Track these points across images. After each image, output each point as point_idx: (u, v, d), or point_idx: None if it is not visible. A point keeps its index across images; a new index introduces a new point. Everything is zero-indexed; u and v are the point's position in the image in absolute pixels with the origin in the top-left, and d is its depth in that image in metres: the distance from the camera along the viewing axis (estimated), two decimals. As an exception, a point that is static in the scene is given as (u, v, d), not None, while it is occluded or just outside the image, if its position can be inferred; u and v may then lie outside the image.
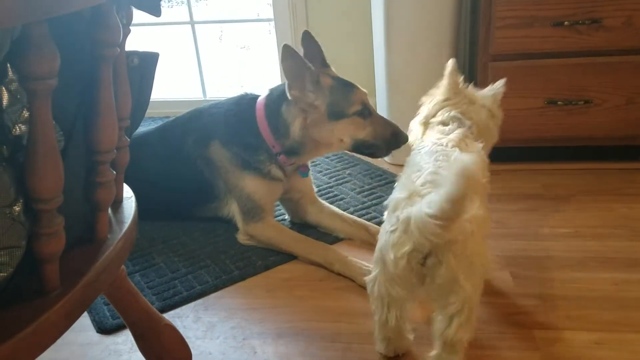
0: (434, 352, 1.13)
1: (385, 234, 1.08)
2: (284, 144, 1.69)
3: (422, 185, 1.05)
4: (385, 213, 1.13)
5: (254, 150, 1.73)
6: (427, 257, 1.03)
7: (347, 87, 1.65)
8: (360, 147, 1.68)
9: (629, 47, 1.93)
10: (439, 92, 1.42)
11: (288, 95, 1.62)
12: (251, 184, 1.74)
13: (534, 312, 1.37)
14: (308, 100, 1.62)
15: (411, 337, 1.25)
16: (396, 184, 1.18)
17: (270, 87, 1.77)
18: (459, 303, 1.05)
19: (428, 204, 0.94)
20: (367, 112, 1.64)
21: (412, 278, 1.06)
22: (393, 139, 1.65)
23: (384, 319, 1.17)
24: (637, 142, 2.07)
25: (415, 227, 0.97)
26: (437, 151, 1.18)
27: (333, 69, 1.74)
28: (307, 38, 1.72)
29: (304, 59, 1.60)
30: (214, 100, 2.09)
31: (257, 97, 1.78)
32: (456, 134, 1.27)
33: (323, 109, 1.62)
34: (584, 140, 2.10)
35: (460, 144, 1.23)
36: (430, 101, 1.43)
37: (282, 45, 1.58)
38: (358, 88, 1.67)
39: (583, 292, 1.43)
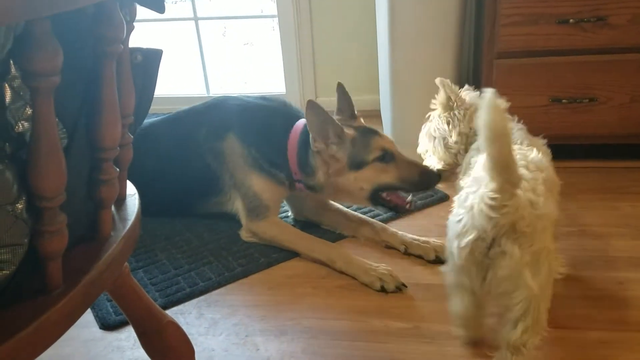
0: (499, 352, 1.13)
1: (451, 224, 1.10)
2: (307, 181, 1.70)
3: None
4: (454, 206, 1.14)
5: (275, 166, 1.73)
6: (490, 246, 1.03)
7: (367, 135, 1.65)
8: (383, 190, 1.65)
9: (634, 44, 1.92)
10: (439, 107, 1.48)
11: (312, 147, 1.63)
12: (258, 183, 1.74)
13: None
14: (331, 153, 1.63)
15: (488, 323, 1.24)
16: (463, 182, 1.22)
17: None
18: (524, 303, 1.03)
19: (486, 185, 0.99)
20: (389, 156, 1.63)
21: (476, 269, 1.06)
22: (422, 178, 1.60)
23: (458, 307, 1.19)
24: (642, 140, 2.06)
25: (477, 209, 1.01)
26: None
27: (362, 120, 1.76)
28: (341, 90, 1.74)
29: (327, 113, 1.60)
30: (217, 96, 2.08)
31: (293, 110, 1.79)
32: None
33: (344, 160, 1.63)
34: (588, 139, 2.09)
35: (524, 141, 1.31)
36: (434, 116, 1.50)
37: (307, 100, 1.59)
38: (379, 135, 1.67)
39: (587, 291, 1.43)
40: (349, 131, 1.65)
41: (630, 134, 2.04)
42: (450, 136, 1.44)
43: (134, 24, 0.89)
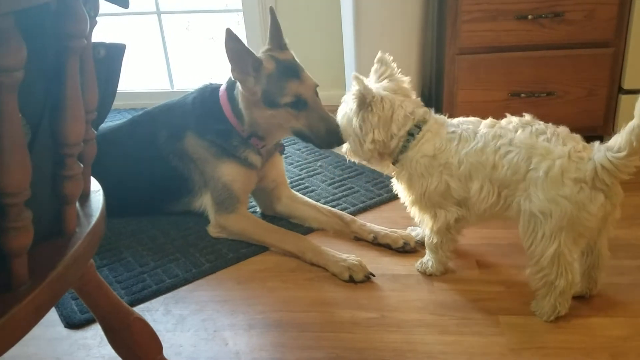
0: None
1: (569, 201, 1.19)
2: (245, 127, 1.70)
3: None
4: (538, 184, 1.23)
5: (226, 135, 1.73)
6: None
7: (285, 75, 1.61)
8: (299, 135, 1.67)
9: (591, 40, 1.98)
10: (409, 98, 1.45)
11: (232, 76, 1.63)
12: (228, 172, 1.73)
13: (499, 299, 1.41)
14: (248, 85, 1.62)
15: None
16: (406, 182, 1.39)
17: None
18: None
19: (609, 148, 1.15)
20: (301, 104, 1.61)
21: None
22: (327, 136, 1.60)
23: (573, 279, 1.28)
24: (599, 132, 2.13)
25: (604, 172, 1.16)
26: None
27: (292, 52, 1.71)
28: (272, 15, 1.70)
29: (245, 45, 1.60)
30: (182, 91, 2.07)
31: (219, 85, 1.78)
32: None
33: (259, 95, 1.62)
34: None
35: None
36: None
37: (226, 29, 1.58)
38: (298, 78, 1.62)
39: (546, 279, 1.47)
40: (269, 64, 1.62)
41: (587, 127, 2.10)
42: (364, 140, 1.40)
43: (97, 18, 0.88)
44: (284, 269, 1.60)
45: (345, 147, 1.52)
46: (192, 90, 1.86)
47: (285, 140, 2.43)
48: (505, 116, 1.35)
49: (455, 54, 2.06)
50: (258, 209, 1.91)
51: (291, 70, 1.63)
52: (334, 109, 1.54)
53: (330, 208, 1.82)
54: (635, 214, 1.75)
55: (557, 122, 2.09)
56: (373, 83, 1.43)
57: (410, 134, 1.39)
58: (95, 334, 1.36)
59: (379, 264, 1.58)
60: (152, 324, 1.17)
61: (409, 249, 1.62)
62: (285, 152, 1.94)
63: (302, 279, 1.54)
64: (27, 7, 0.62)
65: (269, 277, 1.56)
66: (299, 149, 2.38)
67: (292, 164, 2.24)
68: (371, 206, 1.88)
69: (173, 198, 1.86)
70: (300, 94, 1.61)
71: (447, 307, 1.39)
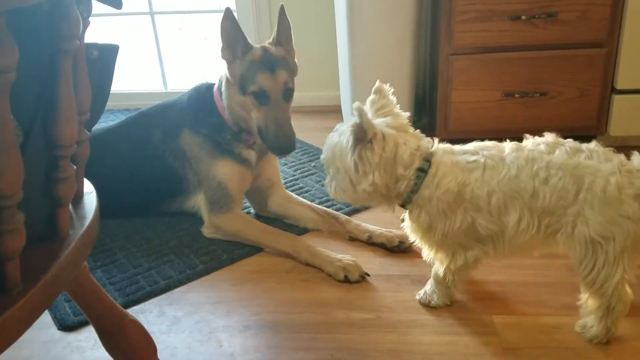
0: None
1: (631, 220, 1.11)
2: (227, 114, 1.72)
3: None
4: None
5: (219, 129, 1.73)
6: None
7: (261, 66, 1.62)
8: (259, 132, 1.66)
9: (584, 40, 1.99)
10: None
11: (221, 55, 1.65)
12: (224, 170, 1.73)
13: (493, 299, 1.41)
14: (234, 67, 1.65)
15: None
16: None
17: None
18: None
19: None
20: (262, 98, 1.62)
21: None
22: (276, 139, 1.61)
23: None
24: (592, 132, 2.14)
25: None
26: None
27: (293, 50, 1.73)
28: (281, 14, 1.71)
29: (240, 28, 1.62)
30: (175, 92, 2.07)
31: (214, 84, 1.79)
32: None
33: (237, 78, 1.64)
34: (540, 131, 2.11)
35: None
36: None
37: (225, 7, 1.61)
38: (266, 72, 1.61)
39: (540, 278, 1.48)
40: (257, 53, 1.64)
41: (580, 127, 2.12)
42: (359, 182, 1.22)
43: (89, 19, 0.88)
44: (279, 269, 1.59)
45: (331, 185, 1.30)
46: (188, 90, 1.86)
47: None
48: (524, 138, 1.25)
49: (449, 54, 2.07)
50: (252, 210, 1.91)
51: (269, 64, 1.63)
52: (327, 110, 1.53)
53: (325, 208, 1.82)
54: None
55: (550, 122, 2.11)
56: (371, 115, 1.25)
57: (421, 170, 1.22)
58: (89, 336, 1.35)
59: (374, 264, 1.58)
60: (146, 325, 1.17)
61: (404, 248, 1.62)
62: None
63: (297, 280, 1.54)
64: (19, 7, 0.61)
65: (263, 278, 1.56)
66: (293, 150, 2.37)
67: (286, 164, 2.24)
68: (366, 206, 1.88)
69: (167, 198, 1.86)
70: (265, 88, 1.62)
71: (442, 307, 1.39)
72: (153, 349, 1.16)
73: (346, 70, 2.24)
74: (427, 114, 2.61)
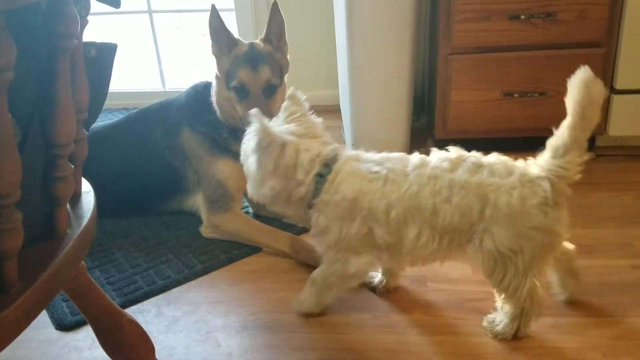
0: None
1: (538, 231, 1.14)
2: (216, 109, 1.74)
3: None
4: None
5: (215, 126, 1.75)
6: None
7: (243, 62, 1.66)
8: None
9: (583, 40, 1.99)
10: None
11: (211, 52, 1.70)
12: (223, 169, 1.74)
13: (491, 299, 1.41)
14: (222, 63, 1.69)
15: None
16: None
17: None
18: None
19: (554, 156, 1.14)
20: (242, 93, 1.66)
21: None
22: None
23: None
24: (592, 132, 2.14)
25: (560, 183, 1.15)
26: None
27: (286, 49, 1.75)
28: (274, 10, 1.71)
29: (225, 25, 1.67)
30: (173, 91, 2.07)
31: (211, 82, 1.81)
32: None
33: (223, 73, 1.69)
34: (539, 131, 2.11)
35: None
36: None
37: (211, 5, 1.66)
38: (247, 67, 1.64)
39: (539, 279, 1.48)
40: (241, 48, 1.68)
41: (578, 127, 2.12)
42: (260, 186, 1.25)
43: (88, 17, 0.87)
44: (277, 269, 1.59)
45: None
46: (187, 88, 1.87)
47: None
48: (430, 151, 1.24)
49: (448, 53, 2.06)
50: (250, 210, 1.90)
51: (251, 60, 1.66)
52: (326, 109, 1.54)
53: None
54: (626, 213, 1.76)
55: (549, 121, 2.10)
56: (282, 121, 1.29)
57: (320, 175, 1.23)
58: (86, 336, 1.35)
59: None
60: (144, 325, 1.16)
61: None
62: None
63: (295, 280, 1.54)
64: (16, 6, 0.61)
65: (261, 278, 1.56)
66: (291, 149, 2.37)
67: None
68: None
69: (166, 196, 1.85)
70: (245, 83, 1.65)
71: (439, 307, 1.39)
72: (151, 349, 1.16)
73: (345, 69, 2.24)
74: (425, 113, 2.61)
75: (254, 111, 1.19)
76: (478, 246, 1.17)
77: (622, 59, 1.98)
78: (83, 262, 1.00)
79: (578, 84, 1.08)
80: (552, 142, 1.13)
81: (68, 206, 0.91)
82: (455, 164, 1.17)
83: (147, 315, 1.43)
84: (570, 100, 1.10)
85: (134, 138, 1.85)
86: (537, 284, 1.19)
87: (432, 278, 1.50)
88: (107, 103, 1.05)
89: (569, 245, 1.31)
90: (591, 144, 2.18)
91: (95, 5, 0.89)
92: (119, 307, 1.11)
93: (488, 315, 1.29)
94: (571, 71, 2.05)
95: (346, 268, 1.27)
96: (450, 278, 1.50)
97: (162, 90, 3.13)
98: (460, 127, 2.15)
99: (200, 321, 1.40)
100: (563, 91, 2.05)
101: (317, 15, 2.74)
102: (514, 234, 1.13)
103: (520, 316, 1.23)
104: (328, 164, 1.23)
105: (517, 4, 1.96)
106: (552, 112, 2.09)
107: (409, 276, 1.51)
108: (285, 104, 1.30)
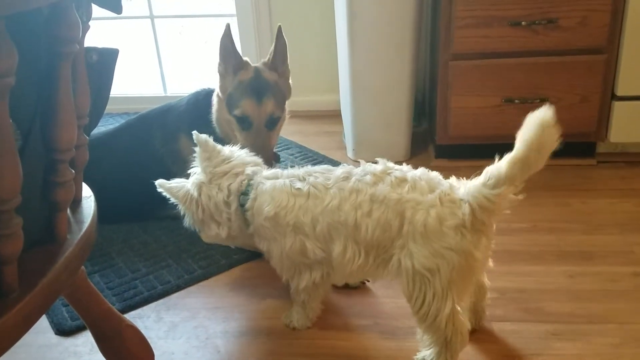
0: None
1: (455, 252, 1.08)
2: (215, 125, 1.74)
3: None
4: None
5: (212, 136, 1.73)
6: None
7: (247, 91, 1.63)
8: None
9: (584, 46, 1.99)
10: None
11: (217, 69, 1.70)
12: None
13: (492, 305, 1.41)
14: (226, 82, 1.68)
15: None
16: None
17: None
18: None
19: (485, 185, 1.05)
20: (244, 124, 1.65)
21: None
22: None
23: None
24: (592, 139, 2.14)
25: (482, 212, 1.07)
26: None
27: (288, 73, 1.74)
28: (278, 34, 1.72)
29: (236, 47, 1.67)
30: (175, 96, 2.07)
31: (213, 90, 1.80)
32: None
33: (226, 95, 1.68)
34: None
35: None
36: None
37: (226, 23, 1.65)
38: (252, 99, 1.63)
39: (539, 285, 1.48)
40: (247, 74, 1.66)
41: (580, 133, 2.12)
42: (204, 231, 1.33)
43: (89, 22, 0.88)
44: (277, 275, 1.57)
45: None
46: (188, 94, 1.87)
47: (278, 145, 2.43)
48: (360, 163, 1.23)
49: (449, 59, 2.07)
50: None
51: (257, 90, 1.64)
52: (327, 114, 1.54)
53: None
54: (626, 220, 1.76)
55: (550, 128, 2.10)
56: (200, 169, 1.32)
57: (242, 206, 1.26)
58: (86, 341, 1.35)
59: (373, 270, 1.57)
60: (143, 331, 1.16)
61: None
62: (279, 159, 1.93)
63: (295, 285, 1.53)
64: (18, 11, 0.61)
65: (262, 284, 1.55)
66: (292, 154, 2.37)
67: (285, 169, 2.23)
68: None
69: (166, 202, 1.85)
70: (249, 115, 1.64)
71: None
72: (150, 354, 1.16)
73: (346, 75, 2.24)
74: (426, 119, 2.61)
75: (159, 182, 1.31)
76: (398, 265, 1.13)
77: (623, 65, 1.98)
78: (83, 268, 1.00)
79: (534, 124, 0.98)
80: (488, 169, 1.05)
81: (69, 211, 0.91)
82: (379, 177, 1.15)
83: (146, 320, 1.42)
84: (521, 136, 1.00)
85: (134, 143, 1.85)
86: (459, 309, 1.13)
87: (433, 284, 1.49)
88: (109, 108, 1.05)
89: (485, 282, 1.27)
90: (592, 150, 2.18)
91: (96, 11, 0.89)
92: (118, 313, 1.11)
93: (418, 353, 1.22)
94: (572, 78, 2.07)
95: (298, 283, 1.29)
96: (451, 284, 1.49)
97: (164, 95, 3.14)
98: (461, 132, 2.15)
99: (200, 327, 1.39)
100: (564, 97, 2.06)
101: (319, 21, 2.75)
102: (431, 253, 1.08)
103: (446, 347, 1.15)
104: (246, 192, 1.26)
105: (519, 11, 1.96)
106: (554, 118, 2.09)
107: (409, 282, 1.51)
108: (197, 150, 1.31)
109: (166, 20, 3.84)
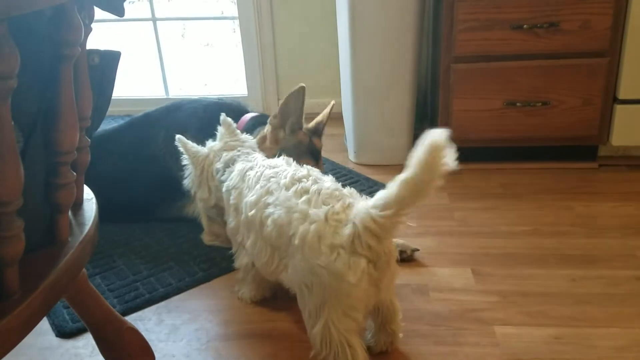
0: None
1: (327, 271, 1.04)
2: None
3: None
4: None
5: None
6: None
7: (308, 152, 1.70)
8: None
9: (586, 50, 1.99)
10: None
11: (269, 121, 1.70)
12: None
13: (494, 309, 1.40)
14: (277, 135, 1.68)
15: None
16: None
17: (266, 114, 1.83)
18: None
19: (375, 206, 1.01)
20: None
21: None
22: None
23: None
24: (593, 142, 2.14)
25: (368, 235, 1.03)
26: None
27: (305, 128, 1.75)
28: (301, 93, 1.70)
29: (303, 107, 1.66)
30: (177, 98, 2.07)
31: (242, 106, 1.84)
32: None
33: (277, 147, 1.68)
34: (542, 141, 2.15)
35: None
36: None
37: (300, 84, 1.64)
38: (312, 161, 1.67)
39: (542, 288, 1.47)
40: (304, 137, 1.70)
41: (582, 136, 2.11)
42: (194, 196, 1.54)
43: (91, 25, 0.88)
44: (279, 277, 1.58)
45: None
46: (194, 97, 1.87)
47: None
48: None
49: (451, 62, 2.07)
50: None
51: (315, 154, 1.72)
52: (331, 116, 1.54)
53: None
54: (629, 224, 1.76)
55: (552, 131, 2.10)
56: (218, 142, 1.48)
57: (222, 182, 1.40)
58: (86, 343, 1.34)
59: (374, 273, 1.57)
60: (144, 333, 1.16)
61: (405, 257, 1.61)
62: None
63: (296, 288, 1.53)
64: (20, 13, 0.61)
65: (263, 286, 1.55)
66: (294, 157, 2.37)
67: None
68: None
69: (166, 201, 1.85)
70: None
71: (442, 317, 1.38)
72: (151, 357, 1.16)
73: (348, 77, 2.24)
74: (428, 121, 2.61)
75: (179, 137, 1.47)
76: (286, 271, 1.15)
77: (625, 68, 1.98)
78: (84, 270, 1.00)
79: (426, 145, 0.90)
80: (380, 191, 1.01)
81: (70, 213, 0.91)
82: (292, 183, 1.16)
83: (147, 323, 1.42)
84: (414, 156, 0.93)
85: (137, 140, 1.85)
86: (337, 331, 1.06)
87: (435, 287, 1.49)
88: (111, 109, 1.05)
89: (395, 304, 1.22)
90: (594, 153, 2.18)
91: (99, 13, 0.89)
92: (119, 315, 1.11)
93: None
94: (574, 81, 2.07)
95: (238, 260, 1.41)
96: (453, 288, 1.49)
97: (166, 97, 3.14)
98: (463, 135, 2.15)
99: (201, 329, 1.39)
100: (566, 101, 2.06)
101: (321, 24, 2.75)
102: (307, 268, 1.06)
103: None
104: (228, 167, 1.40)
105: (520, 14, 1.96)
106: (555, 121, 2.09)
107: (411, 286, 1.51)
108: (219, 129, 1.50)
109: (168, 22, 3.85)
